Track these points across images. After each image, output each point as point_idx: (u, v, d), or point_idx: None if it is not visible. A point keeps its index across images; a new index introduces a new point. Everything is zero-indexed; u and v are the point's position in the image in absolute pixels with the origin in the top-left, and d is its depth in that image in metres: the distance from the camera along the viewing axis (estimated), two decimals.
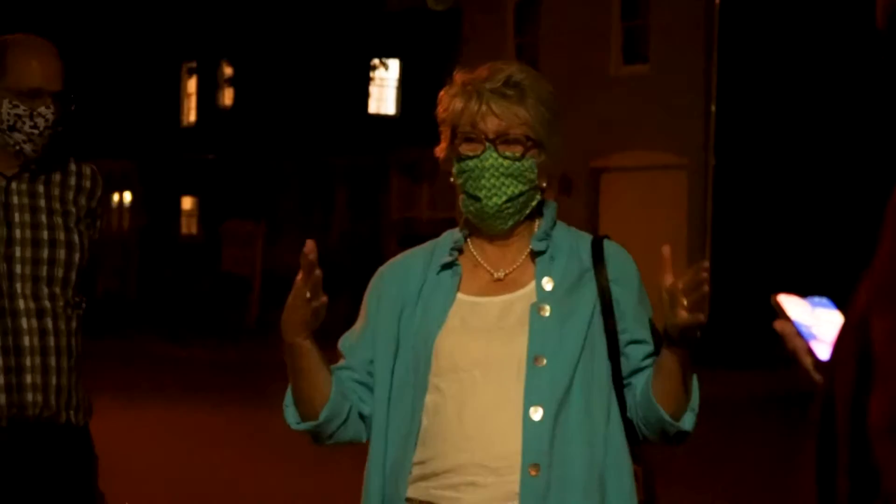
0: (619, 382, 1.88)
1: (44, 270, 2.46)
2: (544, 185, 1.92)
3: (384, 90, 22.16)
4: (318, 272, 1.78)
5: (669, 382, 1.82)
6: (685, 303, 1.74)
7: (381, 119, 21.78)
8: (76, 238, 2.51)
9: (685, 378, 1.82)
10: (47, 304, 2.45)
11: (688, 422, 1.85)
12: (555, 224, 1.94)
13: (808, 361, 1.27)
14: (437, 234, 2.01)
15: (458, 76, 1.90)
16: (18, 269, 2.45)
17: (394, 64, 21.97)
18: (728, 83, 13.83)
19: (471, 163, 1.89)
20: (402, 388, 1.88)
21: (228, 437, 8.31)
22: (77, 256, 2.49)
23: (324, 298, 1.80)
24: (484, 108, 1.86)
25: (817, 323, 1.29)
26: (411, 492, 1.85)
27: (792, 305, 1.31)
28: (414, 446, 1.85)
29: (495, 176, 1.88)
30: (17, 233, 2.47)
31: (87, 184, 2.57)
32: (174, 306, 18.92)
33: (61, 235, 2.49)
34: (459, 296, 1.90)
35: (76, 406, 2.47)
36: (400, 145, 19.32)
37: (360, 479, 1.91)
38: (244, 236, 19.45)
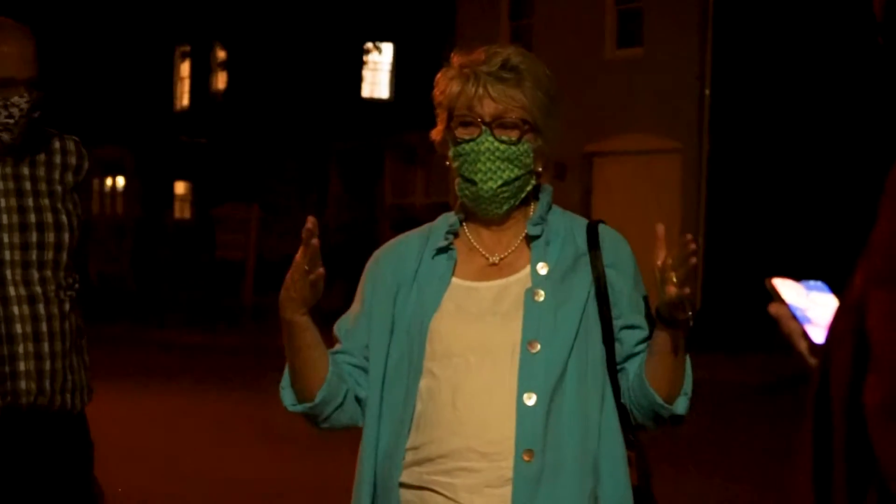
0: (613, 368, 1.87)
1: (33, 255, 2.43)
2: (540, 169, 1.91)
3: (378, 74, 22.08)
4: (314, 241, 1.77)
5: (662, 365, 1.82)
6: (674, 278, 1.75)
7: (374, 103, 21.71)
8: (64, 219, 2.48)
9: (678, 361, 1.82)
10: (38, 289, 2.43)
11: (681, 406, 1.85)
12: (550, 208, 1.94)
13: (802, 345, 1.27)
14: (431, 220, 2.00)
15: (456, 59, 1.89)
16: (7, 255, 2.42)
17: (387, 48, 21.89)
18: (722, 66, 13.80)
19: (467, 146, 1.88)
20: (396, 372, 1.88)
21: (222, 422, 8.31)
22: (66, 237, 2.47)
23: (321, 270, 1.79)
24: (481, 91, 1.85)
25: (812, 306, 1.29)
26: (405, 477, 1.85)
27: (787, 289, 1.31)
28: (407, 431, 1.85)
29: (491, 160, 1.87)
30: (4, 218, 2.45)
31: (73, 160, 2.54)
32: (168, 291, 18.89)
33: (49, 217, 2.46)
34: (454, 280, 1.89)
35: (71, 389, 2.45)
36: (394, 130, 19.27)
37: (354, 464, 1.90)
38: (238, 221, 19.39)
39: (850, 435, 1.03)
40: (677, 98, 13.93)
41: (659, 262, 1.77)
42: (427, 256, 1.91)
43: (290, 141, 20.54)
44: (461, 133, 1.88)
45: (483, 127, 1.86)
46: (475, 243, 1.92)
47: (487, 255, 1.91)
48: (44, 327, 2.42)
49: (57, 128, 2.59)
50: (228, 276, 18.78)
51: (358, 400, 1.90)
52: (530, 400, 1.80)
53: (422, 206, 18.17)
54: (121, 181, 23.37)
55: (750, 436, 8.15)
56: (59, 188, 2.49)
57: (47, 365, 2.41)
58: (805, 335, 1.27)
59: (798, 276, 1.35)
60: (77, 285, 2.51)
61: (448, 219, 1.95)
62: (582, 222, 1.94)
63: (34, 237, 2.44)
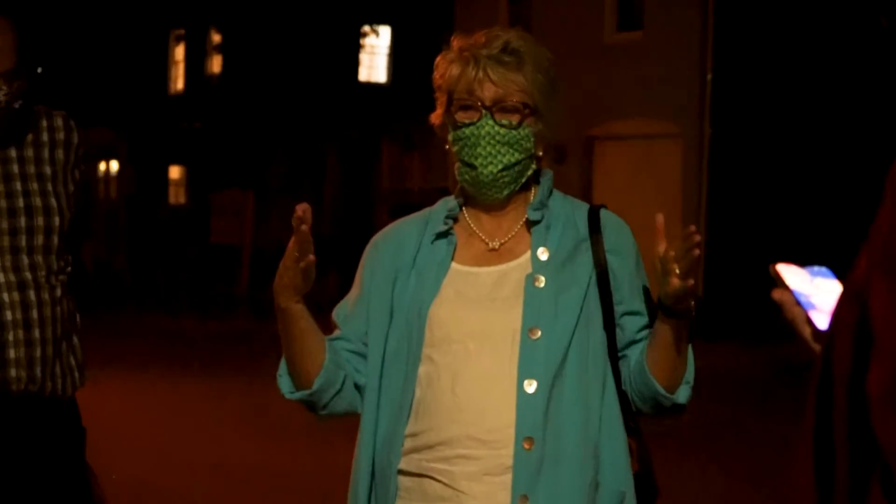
0: (614, 354, 1.86)
1: (23, 240, 2.40)
2: (541, 153, 1.90)
3: (375, 58, 21.98)
4: (304, 228, 1.75)
5: (664, 354, 1.81)
6: (677, 270, 1.73)
7: (371, 87, 21.63)
8: (53, 202, 2.43)
9: (680, 350, 1.81)
10: (28, 275, 2.39)
11: (682, 395, 1.84)
12: (551, 193, 1.92)
13: (806, 331, 1.27)
14: (429, 205, 1.98)
15: (456, 41, 1.88)
16: None
17: (385, 31, 21.79)
18: (724, 50, 13.71)
19: (467, 130, 1.86)
20: (394, 358, 1.86)
21: (217, 409, 8.28)
22: (57, 220, 2.43)
23: (311, 258, 1.77)
24: (481, 74, 1.84)
25: (816, 292, 1.28)
26: (403, 464, 1.84)
27: (791, 275, 1.30)
28: (406, 418, 1.84)
29: (491, 144, 1.85)
30: None
31: (60, 136, 2.48)
32: (162, 277, 18.85)
33: (38, 201, 2.42)
34: (454, 265, 1.88)
35: (62, 375, 2.43)
36: (391, 114, 19.20)
37: (352, 451, 1.89)
38: (233, 206, 19.35)
39: (852, 422, 1.02)
40: (678, 82, 13.85)
41: (661, 253, 1.76)
42: (426, 241, 1.90)
43: (286, 125, 20.45)
44: (461, 117, 1.87)
45: (483, 111, 1.84)
46: (475, 228, 1.91)
47: (487, 241, 1.90)
48: (34, 314, 2.39)
49: (30, 110, 2.48)
50: (223, 262, 18.75)
51: (356, 386, 1.89)
52: (531, 387, 1.78)
53: (419, 192, 18.11)
54: (115, 166, 23.27)
55: (752, 423, 8.13)
56: (48, 169, 2.45)
57: (38, 352, 2.39)
58: (809, 321, 1.26)
59: (800, 261, 1.35)
60: (69, 268, 2.48)
61: (447, 203, 1.93)
62: (583, 207, 1.92)
63: (23, 222, 2.40)
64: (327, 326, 1.93)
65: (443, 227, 1.89)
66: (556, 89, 1.88)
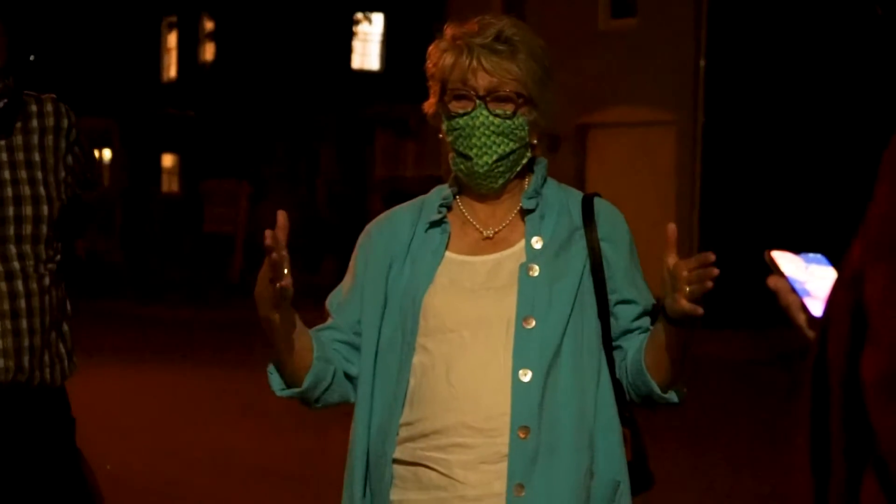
0: (608, 343, 1.86)
1: (10, 230, 2.38)
2: (535, 141, 1.89)
3: (368, 45, 21.91)
4: (274, 256, 1.72)
5: (662, 357, 1.81)
6: (687, 290, 1.72)
7: (364, 75, 21.56)
8: (42, 190, 2.41)
9: (680, 354, 1.80)
10: (16, 265, 2.38)
11: (677, 396, 1.85)
12: (545, 181, 1.92)
13: (801, 318, 1.26)
14: (423, 193, 1.97)
15: (449, 30, 1.86)
16: None
17: (378, 18, 21.71)
18: (717, 37, 13.68)
19: (461, 120, 1.85)
20: (388, 347, 1.86)
21: (213, 398, 8.28)
22: (45, 210, 2.41)
23: (286, 282, 1.74)
24: (475, 63, 1.83)
25: (811, 279, 1.28)
26: (398, 453, 1.83)
27: (786, 261, 1.30)
28: (401, 407, 1.83)
29: (486, 134, 1.85)
30: None
31: (50, 121, 2.45)
32: (156, 266, 18.81)
33: (26, 190, 2.40)
34: (448, 254, 1.87)
35: (50, 364, 2.43)
36: (384, 102, 19.13)
37: (347, 440, 1.89)
38: (226, 195, 19.30)
39: (847, 410, 1.02)
40: (672, 69, 13.82)
41: (670, 265, 1.74)
42: (420, 230, 1.90)
43: (280, 113, 20.39)
44: (455, 107, 1.86)
45: (477, 101, 1.84)
46: (469, 217, 1.90)
47: (481, 229, 1.89)
48: (22, 304, 2.38)
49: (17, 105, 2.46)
50: (217, 251, 18.71)
51: (347, 376, 1.89)
52: (526, 376, 1.78)
53: (412, 179, 18.08)
54: (107, 154, 23.19)
55: (745, 411, 8.14)
56: (37, 156, 2.42)
57: (26, 342, 2.38)
58: (804, 308, 1.26)
59: (794, 248, 1.35)
60: (58, 256, 2.46)
61: (441, 191, 1.93)
62: (577, 195, 1.92)
63: (11, 211, 2.38)
64: (322, 311, 1.93)
65: (437, 216, 1.89)
66: (550, 77, 1.87)
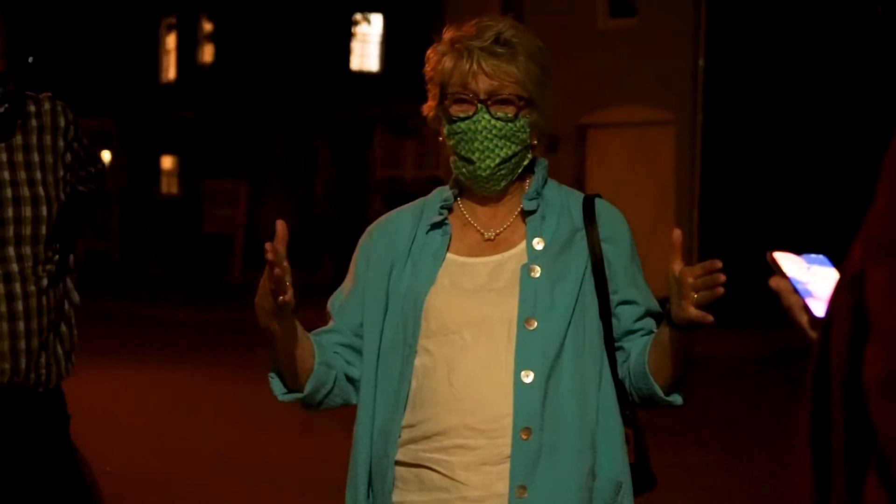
0: (610, 344, 1.86)
1: (10, 231, 2.38)
2: (535, 142, 1.89)
3: (367, 46, 21.90)
4: (277, 271, 1.71)
5: (666, 360, 1.81)
6: (695, 297, 1.72)
7: (363, 76, 21.55)
8: (41, 190, 2.41)
9: (683, 358, 1.81)
10: (14, 267, 2.38)
11: (679, 399, 1.86)
12: (546, 182, 1.92)
13: (803, 318, 1.27)
14: (422, 193, 1.98)
15: (447, 33, 1.86)
16: None
17: (377, 19, 21.70)
18: (716, 37, 13.68)
19: (463, 125, 1.85)
20: (390, 349, 1.86)
21: (213, 398, 8.27)
22: (44, 210, 2.40)
23: (288, 296, 1.73)
24: (475, 67, 1.83)
25: (813, 280, 1.28)
26: (401, 455, 1.84)
27: (787, 262, 1.31)
28: (403, 409, 1.83)
29: (488, 138, 1.84)
30: None
31: (48, 120, 2.45)
32: (155, 266, 18.80)
33: (26, 191, 2.40)
34: (449, 256, 1.87)
35: (46, 365, 2.42)
36: (383, 102, 19.12)
37: (349, 442, 1.89)
38: (226, 195, 19.29)
39: (849, 408, 1.02)
40: (671, 69, 13.82)
41: (675, 272, 1.74)
42: (421, 232, 1.89)
43: (279, 114, 20.38)
44: (456, 110, 1.86)
45: (478, 104, 1.84)
46: (470, 218, 1.90)
47: (482, 231, 1.89)
48: (19, 306, 2.37)
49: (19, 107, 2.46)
50: (216, 251, 18.69)
51: (349, 379, 1.89)
52: (528, 377, 1.78)
53: (412, 180, 18.07)
54: (106, 155, 23.17)
55: (746, 411, 8.14)
56: (36, 156, 2.42)
57: (22, 344, 2.37)
58: (806, 308, 1.26)
59: (793, 248, 1.35)
60: (56, 257, 2.45)
61: (442, 193, 1.93)
62: (578, 196, 1.92)
63: (10, 212, 2.38)
64: (322, 311, 1.93)
65: (438, 218, 1.89)
66: (549, 77, 1.87)
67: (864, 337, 1.00)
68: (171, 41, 22.96)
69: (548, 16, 14.27)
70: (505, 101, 1.83)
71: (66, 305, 2.50)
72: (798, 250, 1.34)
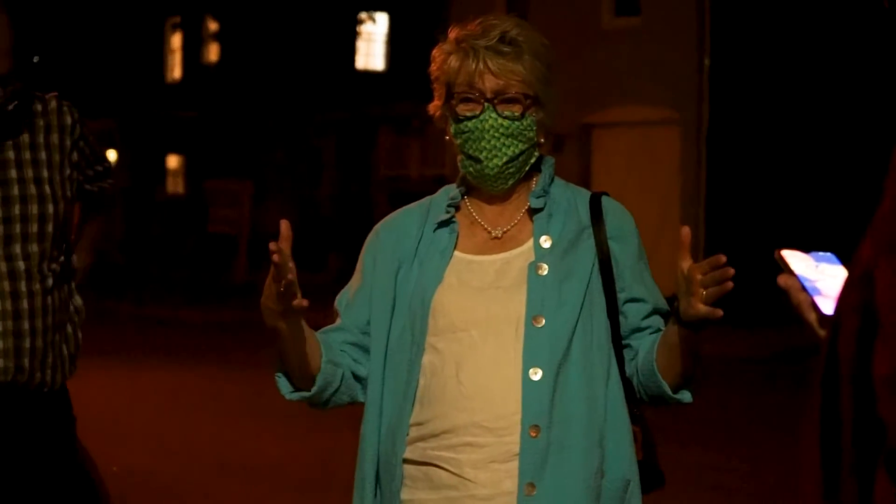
0: (617, 342, 1.87)
1: (17, 228, 2.39)
2: (542, 140, 1.90)
3: (372, 45, 21.91)
4: (290, 277, 1.72)
5: (674, 358, 1.81)
6: (703, 294, 1.72)
7: (369, 75, 21.56)
8: (48, 189, 2.42)
9: (692, 356, 1.81)
10: (20, 264, 2.38)
11: (688, 396, 1.86)
12: (553, 180, 1.92)
13: (812, 316, 1.27)
14: (427, 192, 1.98)
15: (452, 32, 1.87)
16: None
17: (382, 18, 21.71)
18: (721, 35, 13.66)
19: (470, 124, 1.86)
20: (398, 347, 1.86)
21: (218, 398, 8.28)
22: (51, 208, 2.41)
23: (300, 303, 1.74)
24: (481, 66, 1.83)
25: (822, 278, 1.29)
26: (409, 453, 1.84)
27: (796, 260, 1.31)
28: (411, 407, 1.84)
29: (496, 137, 1.85)
30: None
31: (54, 120, 2.47)
32: (160, 266, 18.82)
33: (32, 189, 2.40)
34: (456, 254, 1.88)
35: (52, 366, 2.42)
36: (388, 101, 19.13)
37: (355, 440, 1.89)
38: (231, 195, 19.31)
39: (858, 405, 1.02)
40: (676, 68, 13.80)
41: (684, 269, 1.75)
42: (428, 230, 1.90)
43: (284, 113, 20.39)
44: (462, 110, 1.86)
45: (485, 103, 1.84)
46: (477, 217, 1.91)
47: (490, 229, 1.90)
48: (24, 305, 2.38)
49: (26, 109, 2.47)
50: (221, 251, 18.71)
51: (356, 377, 1.89)
52: (536, 375, 1.79)
53: (416, 179, 18.07)
54: (111, 155, 23.20)
55: (753, 409, 8.13)
56: (43, 155, 2.43)
57: (26, 343, 2.37)
58: (814, 306, 1.27)
59: (800, 246, 1.35)
60: (62, 257, 2.45)
61: (449, 191, 1.93)
62: (585, 194, 1.92)
63: (17, 209, 2.39)
64: (327, 310, 1.93)
65: (445, 216, 1.89)
66: (553, 75, 1.88)
67: (874, 334, 1.00)
68: (176, 41, 22.99)
69: (552, 14, 14.26)
70: (511, 100, 1.84)
71: (71, 307, 2.49)
72: (804, 248, 1.34)
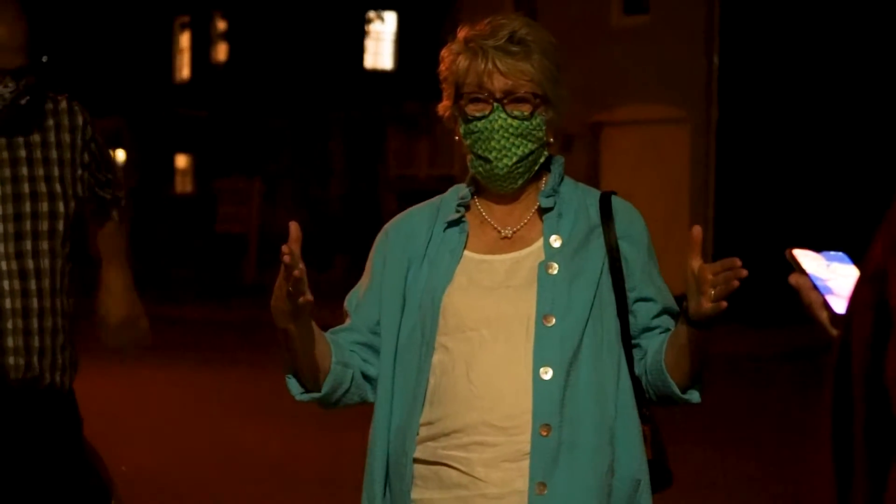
0: (627, 341, 1.87)
1: (27, 225, 2.38)
2: (551, 140, 1.90)
3: (380, 44, 21.92)
4: (296, 273, 1.73)
5: (683, 358, 1.81)
6: (711, 293, 1.73)
7: (377, 74, 21.57)
8: (58, 186, 2.42)
9: (700, 355, 1.81)
10: (31, 262, 2.38)
11: (696, 396, 1.86)
12: (562, 180, 1.92)
13: (823, 316, 1.27)
14: (435, 192, 1.98)
15: (461, 32, 1.87)
16: (0, 227, 2.37)
17: (390, 17, 21.72)
18: (730, 33, 13.63)
19: (479, 124, 1.86)
20: (408, 347, 1.87)
21: (225, 398, 8.28)
22: (61, 206, 2.41)
23: (306, 297, 1.75)
24: (490, 66, 1.83)
25: (833, 277, 1.29)
26: (419, 452, 1.84)
27: (807, 259, 1.31)
28: (421, 406, 1.84)
29: (505, 137, 1.85)
30: None
31: (65, 119, 2.47)
32: (168, 265, 18.86)
33: (43, 187, 2.40)
34: (466, 253, 1.88)
35: (61, 367, 2.42)
36: (397, 100, 19.14)
37: (363, 440, 1.89)
38: (239, 194, 19.34)
39: (870, 404, 1.02)
40: (685, 66, 13.78)
41: (694, 269, 1.75)
42: (438, 230, 1.90)
43: (292, 112, 20.42)
44: (472, 110, 1.87)
45: (494, 103, 1.84)
46: (487, 216, 1.91)
47: (499, 228, 1.90)
48: (34, 303, 2.38)
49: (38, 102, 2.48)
50: (230, 250, 18.74)
51: (366, 377, 1.90)
52: (546, 374, 1.79)
53: (425, 178, 18.08)
54: (120, 154, 23.26)
55: (764, 408, 8.12)
56: (54, 153, 2.43)
57: (36, 341, 2.38)
58: (826, 305, 1.27)
59: (809, 245, 1.35)
60: (70, 265, 2.45)
61: (459, 191, 1.93)
62: (595, 194, 1.93)
63: (28, 207, 2.39)
64: (335, 310, 1.94)
65: (455, 216, 1.89)
66: (561, 74, 1.88)
67: (886, 333, 1.00)
68: (184, 40, 23.04)
69: (561, 13, 14.25)
70: (521, 100, 1.84)
71: (70, 311, 2.50)
72: (814, 247, 1.34)
